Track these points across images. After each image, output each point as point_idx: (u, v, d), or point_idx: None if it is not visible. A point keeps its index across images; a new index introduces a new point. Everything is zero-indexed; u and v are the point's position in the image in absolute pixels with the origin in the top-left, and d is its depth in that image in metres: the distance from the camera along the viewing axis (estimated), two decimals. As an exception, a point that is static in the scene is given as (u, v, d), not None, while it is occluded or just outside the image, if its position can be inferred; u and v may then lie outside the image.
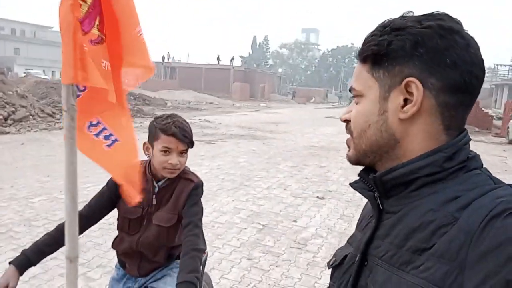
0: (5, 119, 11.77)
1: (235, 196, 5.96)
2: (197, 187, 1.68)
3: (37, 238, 1.66)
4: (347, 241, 0.85)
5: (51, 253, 1.54)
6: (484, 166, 0.69)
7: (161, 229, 1.66)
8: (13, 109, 12.13)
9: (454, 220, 0.59)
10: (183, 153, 1.62)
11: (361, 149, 0.73)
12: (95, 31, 1.06)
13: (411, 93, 0.65)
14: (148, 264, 1.74)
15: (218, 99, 32.46)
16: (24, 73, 35.23)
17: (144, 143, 1.66)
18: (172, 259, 1.78)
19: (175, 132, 1.56)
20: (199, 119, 17.38)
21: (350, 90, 0.76)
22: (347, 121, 0.76)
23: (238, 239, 4.32)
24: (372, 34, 0.70)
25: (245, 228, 4.67)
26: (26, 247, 1.58)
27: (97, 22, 1.06)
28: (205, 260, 2.10)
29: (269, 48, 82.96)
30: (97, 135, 1.20)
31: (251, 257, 3.88)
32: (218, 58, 47.42)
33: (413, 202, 0.66)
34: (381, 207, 0.72)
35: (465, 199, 0.61)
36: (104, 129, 1.21)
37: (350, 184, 0.79)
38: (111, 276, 1.87)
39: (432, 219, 0.62)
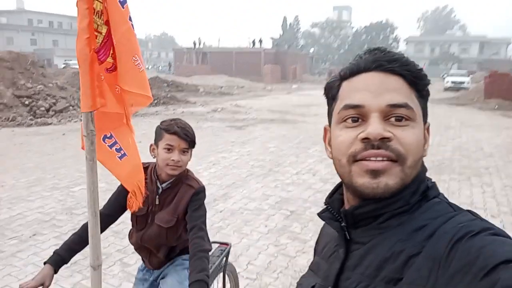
0: (47, 110, 12.41)
1: (264, 183, 6.05)
2: (198, 193, 1.79)
3: (78, 226, 1.85)
4: (310, 268, 0.85)
5: (80, 250, 1.71)
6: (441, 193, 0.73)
7: (161, 229, 1.78)
8: (54, 100, 12.75)
9: (422, 249, 0.62)
10: (185, 151, 1.73)
11: (408, 182, 0.67)
12: (109, 60, 1.14)
13: (428, 134, 0.73)
14: (155, 259, 1.89)
15: (249, 83, 32.45)
16: (64, 64, 36.64)
17: (151, 145, 1.79)
18: (174, 255, 1.91)
19: (177, 130, 1.69)
20: (230, 104, 17.51)
21: (398, 106, 0.66)
22: (387, 139, 0.65)
23: (266, 226, 4.43)
24: (414, 63, 0.70)
25: (273, 215, 4.76)
26: (68, 235, 1.78)
27: (111, 52, 1.13)
28: (228, 252, 2.20)
29: (300, 28, 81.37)
30: (110, 146, 1.30)
31: (278, 244, 3.97)
32: (253, 42, 47.07)
33: (382, 234, 0.68)
34: (348, 238, 0.73)
35: (431, 228, 0.64)
36: (116, 142, 1.31)
37: (318, 214, 0.79)
38: (138, 266, 2.05)
39: (401, 249, 0.64)
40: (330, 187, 0.79)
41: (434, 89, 29.60)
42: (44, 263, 1.61)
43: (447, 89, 26.91)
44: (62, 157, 7.45)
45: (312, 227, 4.38)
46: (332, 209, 0.75)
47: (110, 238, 3.96)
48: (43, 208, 4.86)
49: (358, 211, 0.70)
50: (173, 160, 1.69)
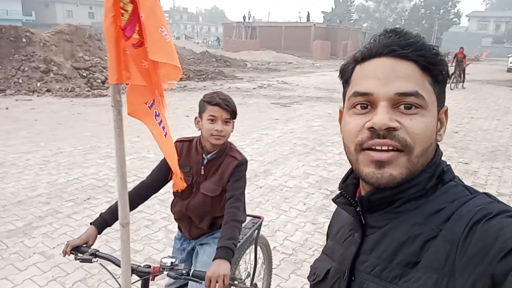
0: (103, 82, 13.06)
1: (305, 161, 6.06)
2: (241, 164, 1.87)
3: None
4: (324, 252, 0.86)
5: None
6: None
7: (206, 198, 1.87)
8: (109, 73, 13.35)
9: (440, 232, 0.63)
10: (227, 122, 1.81)
11: (416, 170, 0.67)
12: (135, 36, 1.21)
13: (446, 119, 0.72)
14: (195, 229, 1.99)
15: (297, 59, 31.96)
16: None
17: (195, 117, 1.88)
18: (215, 228, 2.00)
19: (219, 102, 1.77)
20: (277, 81, 17.42)
21: (407, 94, 0.65)
22: (393, 129, 0.65)
23: (304, 204, 4.48)
24: (432, 47, 0.68)
25: (313, 194, 4.79)
26: None
27: (137, 28, 1.20)
28: (260, 225, 2.28)
29: (353, 1, 78.18)
30: (159, 123, 1.39)
31: (315, 222, 4.02)
32: (308, 15, 45.95)
33: (398, 217, 0.69)
34: (363, 222, 0.74)
35: (448, 211, 0.64)
36: (161, 121, 1.39)
37: (333, 200, 0.81)
38: (175, 235, 2.17)
39: (418, 232, 0.65)
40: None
41: (497, 70, 27.54)
42: (90, 224, 1.76)
43: (510, 70, 24.96)
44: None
45: (351, 208, 4.37)
46: (347, 194, 0.76)
47: (156, 206, 4.21)
48: (97, 175, 5.22)
49: (375, 196, 0.70)
50: (216, 130, 1.77)
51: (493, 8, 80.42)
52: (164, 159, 1.91)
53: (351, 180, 0.80)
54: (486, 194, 0.66)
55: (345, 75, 0.76)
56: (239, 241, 1.89)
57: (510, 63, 25.92)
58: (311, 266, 0.87)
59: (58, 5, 55.86)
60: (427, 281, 0.60)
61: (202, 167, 1.89)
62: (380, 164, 0.66)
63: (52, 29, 14.80)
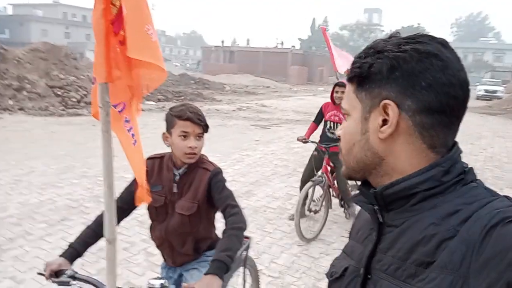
0: (78, 101, 12.75)
1: (288, 182, 6.01)
2: (216, 174, 1.73)
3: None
4: (343, 251, 0.86)
5: (93, 244, 1.68)
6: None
7: (183, 218, 1.72)
8: (85, 92, 13.08)
9: (456, 233, 0.61)
10: (199, 136, 1.69)
11: (350, 166, 0.77)
12: (122, 33, 1.13)
13: (389, 114, 0.68)
14: (179, 256, 1.84)
15: (275, 83, 32.40)
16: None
17: (163, 133, 1.75)
18: (200, 252, 1.85)
19: (190, 116, 1.65)
20: (256, 104, 17.53)
21: (341, 108, 0.80)
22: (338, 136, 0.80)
23: (289, 225, 4.39)
24: (358, 56, 0.73)
25: (297, 215, 4.71)
26: None
27: (123, 24, 1.12)
28: (248, 246, 2.16)
29: (328, 30, 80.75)
30: (129, 130, 1.30)
31: (301, 244, 3.93)
32: (282, 43, 46.93)
33: (414, 216, 0.68)
34: (381, 220, 0.73)
35: (465, 213, 0.63)
36: (131, 128, 1.30)
37: (351, 198, 0.82)
38: (161, 264, 2.01)
39: (434, 232, 0.64)
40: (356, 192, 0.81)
41: (465, 97, 28.68)
42: (59, 256, 1.58)
43: (479, 98, 26.07)
44: (92, 146, 7.62)
45: (337, 229, 4.32)
46: (365, 193, 0.76)
47: (136, 228, 4.02)
48: (72, 195, 4.98)
49: (387, 191, 0.70)
50: (190, 147, 1.65)
51: (461, 40, 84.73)
52: (132, 181, 1.77)
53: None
54: (507, 197, 0.65)
55: None
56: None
57: (478, 91, 27.10)
58: (330, 264, 0.88)
59: (33, 24, 55.00)
60: (442, 282, 0.59)
61: (175, 184, 1.75)
62: None
63: (27, 46, 14.46)
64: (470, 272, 0.57)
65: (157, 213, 1.79)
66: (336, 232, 4.23)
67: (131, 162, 1.37)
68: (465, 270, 0.58)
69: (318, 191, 4.22)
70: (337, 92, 4.26)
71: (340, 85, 4.19)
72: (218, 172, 1.75)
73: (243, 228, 1.64)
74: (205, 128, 1.71)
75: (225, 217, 1.65)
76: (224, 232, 1.58)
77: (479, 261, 0.57)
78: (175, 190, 1.75)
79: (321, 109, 4.53)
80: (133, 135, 1.32)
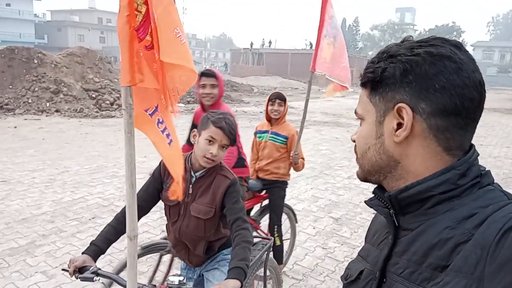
0: (111, 104, 13.17)
1: (314, 184, 5.97)
2: (234, 184, 1.77)
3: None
4: (359, 254, 0.87)
5: (115, 241, 1.74)
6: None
7: (199, 221, 1.76)
8: (118, 95, 13.48)
9: (471, 236, 0.61)
10: (224, 147, 1.73)
11: (365, 169, 0.78)
12: (148, 38, 1.17)
13: (403, 118, 0.68)
14: (194, 257, 1.88)
15: (303, 85, 32.22)
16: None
17: (193, 131, 1.79)
18: (212, 252, 1.89)
19: (224, 126, 1.69)
20: (284, 105, 17.49)
21: (355, 113, 0.80)
22: (353, 141, 0.80)
23: (314, 228, 4.36)
24: (371, 61, 0.74)
25: (322, 217, 4.68)
26: None
27: (149, 30, 1.17)
28: (270, 246, 2.17)
29: (359, 30, 79.60)
30: (162, 131, 1.33)
31: (325, 247, 3.90)
32: (310, 44, 46.72)
33: (429, 220, 0.68)
34: (397, 224, 0.73)
35: (481, 216, 0.62)
36: (166, 128, 1.34)
37: (366, 202, 0.81)
38: (180, 265, 2.06)
39: (450, 236, 0.63)
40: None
41: (503, 98, 27.54)
42: (82, 253, 1.64)
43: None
44: (123, 147, 7.85)
45: (362, 233, 4.24)
46: (380, 197, 0.76)
47: (163, 227, 4.11)
48: (103, 194, 5.15)
49: (402, 195, 0.70)
50: (211, 153, 1.68)
51: (498, 38, 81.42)
52: (149, 180, 1.85)
53: None
54: None
55: None
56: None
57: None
58: (346, 267, 0.88)
59: (70, 29, 57.29)
60: (456, 286, 0.59)
61: (190, 186, 1.78)
62: None
63: (64, 51, 15.08)
64: (484, 275, 0.57)
65: (170, 212, 1.84)
66: (362, 235, 4.15)
67: (166, 160, 1.42)
68: (479, 274, 0.57)
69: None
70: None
71: (207, 74, 2.95)
72: (236, 182, 1.79)
73: (253, 243, 1.72)
74: (233, 142, 1.75)
75: (234, 229, 1.68)
76: (238, 243, 1.62)
77: (494, 264, 0.56)
78: (189, 191, 1.79)
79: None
80: (167, 135, 1.37)
